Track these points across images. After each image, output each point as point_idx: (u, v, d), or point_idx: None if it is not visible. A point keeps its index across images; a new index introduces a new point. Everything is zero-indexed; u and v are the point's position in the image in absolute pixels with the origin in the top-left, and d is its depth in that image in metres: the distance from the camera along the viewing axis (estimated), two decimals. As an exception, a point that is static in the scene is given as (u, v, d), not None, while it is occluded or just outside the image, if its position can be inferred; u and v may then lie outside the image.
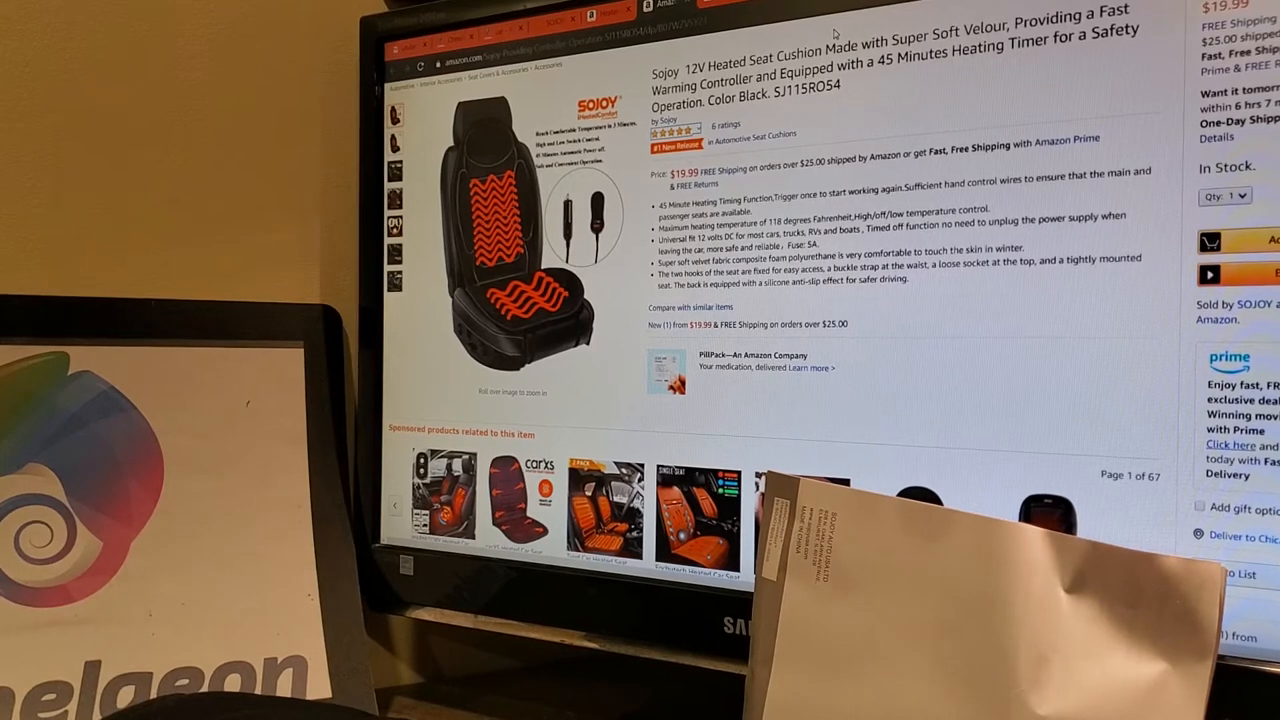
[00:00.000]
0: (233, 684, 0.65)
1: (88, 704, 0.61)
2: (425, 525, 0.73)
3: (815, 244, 0.59)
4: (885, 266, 0.57)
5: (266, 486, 0.70)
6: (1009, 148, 0.54)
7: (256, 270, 0.75)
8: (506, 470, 0.69)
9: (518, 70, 0.69)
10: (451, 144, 0.72)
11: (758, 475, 0.60)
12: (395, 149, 0.75)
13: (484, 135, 0.70)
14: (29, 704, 0.60)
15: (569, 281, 0.67)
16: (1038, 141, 0.53)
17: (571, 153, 0.67)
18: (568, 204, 0.67)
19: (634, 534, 0.64)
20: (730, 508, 0.61)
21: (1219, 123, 0.49)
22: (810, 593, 0.44)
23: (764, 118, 0.60)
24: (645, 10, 0.64)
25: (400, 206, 0.74)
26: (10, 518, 0.63)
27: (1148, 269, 0.50)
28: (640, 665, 0.63)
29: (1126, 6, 0.51)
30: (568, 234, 0.67)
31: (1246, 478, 0.48)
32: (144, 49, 0.72)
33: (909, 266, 0.56)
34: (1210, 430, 0.49)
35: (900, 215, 0.56)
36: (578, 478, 0.66)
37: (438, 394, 0.72)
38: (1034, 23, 0.53)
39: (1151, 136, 0.50)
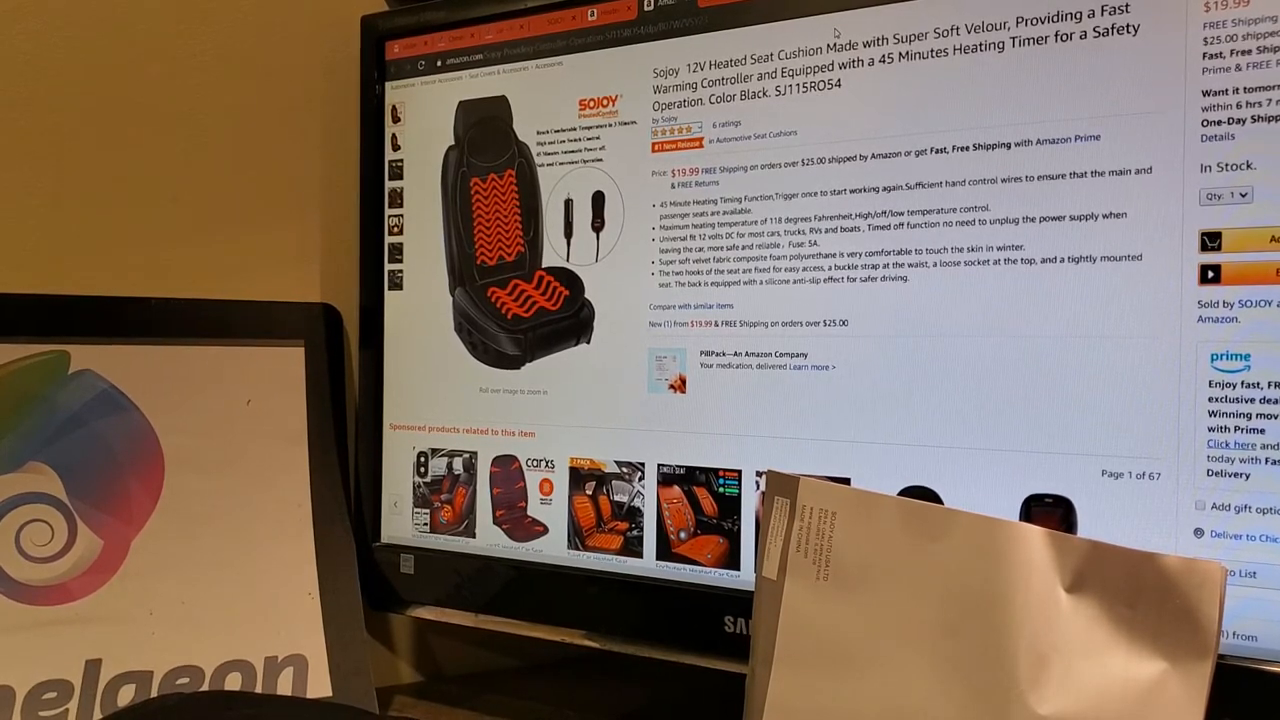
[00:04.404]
0: (233, 682, 0.65)
1: (88, 703, 0.61)
2: (426, 524, 0.73)
3: (816, 243, 0.59)
4: (886, 266, 0.57)
5: (267, 485, 0.70)
6: (1010, 147, 0.54)
7: (257, 269, 0.75)
8: (507, 469, 0.69)
9: (518, 69, 0.69)
10: (452, 143, 0.72)
11: (758, 474, 0.60)
12: (396, 148, 0.75)
13: (484, 134, 0.70)
14: (30, 702, 0.60)
15: (569, 280, 0.67)
16: (1038, 141, 0.53)
17: (572, 152, 0.67)
18: (568, 203, 0.67)
19: (634, 533, 0.64)
20: (730, 507, 0.61)
21: (1220, 122, 0.49)
22: (810, 592, 0.44)
23: (765, 117, 0.60)
24: (646, 9, 0.64)
25: (401, 205, 0.74)
26: (10, 516, 0.63)
27: (1148, 268, 0.50)
28: (641, 664, 0.63)
29: (1127, 6, 0.51)
30: (568, 233, 0.67)
31: (1247, 477, 0.48)
32: (145, 48, 0.72)
33: (910, 266, 0.56)
34: (1211, 430, 0.49)
35: (901, 214, 0.56)
36: (578, 477, 0.66)
37: (438, 393, 0.72)
38: (1035, 22, 0.53)
39: (1152, 136, 0.50)
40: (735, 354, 0.61)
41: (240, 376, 0.71)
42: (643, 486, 0.64)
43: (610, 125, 0.66)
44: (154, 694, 0.63)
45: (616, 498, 0.65)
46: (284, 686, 0.66)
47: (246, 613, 0.67)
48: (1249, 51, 0.48)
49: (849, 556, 0.43)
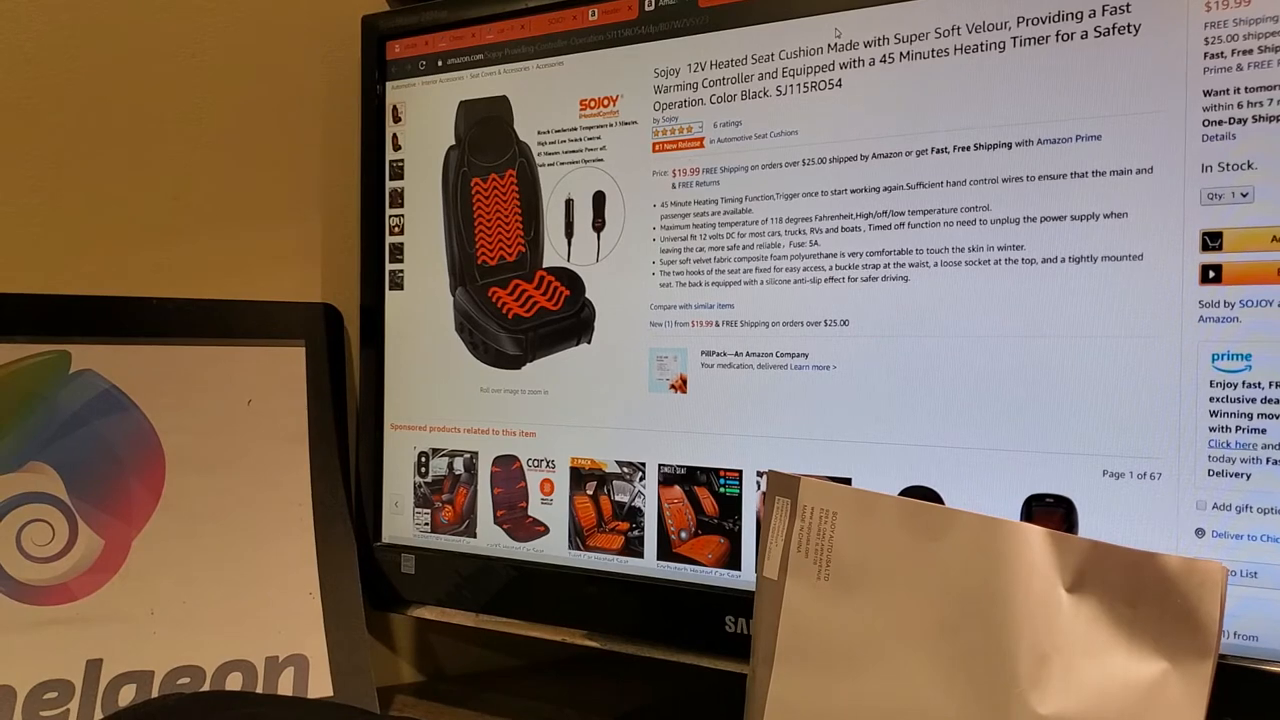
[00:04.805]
0: (234, 682, 0.65)
1: (89, 703, 0.61)
2: (427, 524, 0.73)
3: (817, 243, 0.59)
4: (887, 265, 0.57)
5: (268, 485, 0.70)
6: (1011, 147, 0.54)
7: (258, 269, 0.75)
8: (508, 469, 0.69)
9: (519, 69, 0.69)
10: (453, 143, 0.72)
11: (759, 474, 0.60)
12: (397, 148, 0.75)
13: (485, 134, 0.70)
14: (30, 702, 0.60)
15: (570, 280, 0.67)
16: (1039, 140, 0.53)
17: (573, 151, 0.67)
18: (569, 203, 0.67)
19: (635, 533, 0.64)
20: (731, 507, 0.61)
21: (1221, 122, 0.49)
22: (811, 592, 0.44)
23: (765, 116, 0.60)
24: (647, 9, 0.64)
25: (402, 205, 0.74)
26: (12, 516, 0.63)
27: (1149, 268, 0.50)
28: (641, 664, 0.63)
29: (1128, 5, 0.51)
30: (569, 233, 0.67)
31: (1248, 477, 0.48)
32: (146, 48, 0.72)
33: (910, 265, 0.56)
34: (1212, 429, 0.49)
35: (902, 214, 0.56)
36: (579, 476, 0.66)
37: (439, 393, 0.72)
38: (1036, 21, 0.53)
39: (1153, 136, 0.50)
40: (736, 354, 0.61)
41: (241, 376, 0.71)
42: (643, 486, 0.64)
43: (611, 125, 0.66)
44: (155, 694, 0.63)
45: (617, 498, 0.65)
46: (285, 686, 0.66)
47: (247, 612, 0.67)
48: (1250, 51, 0.48)
49: (850, 556, 0.43)
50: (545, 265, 0.68)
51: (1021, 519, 0.53)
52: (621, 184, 0.65)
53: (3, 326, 0.65)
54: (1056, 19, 0.52)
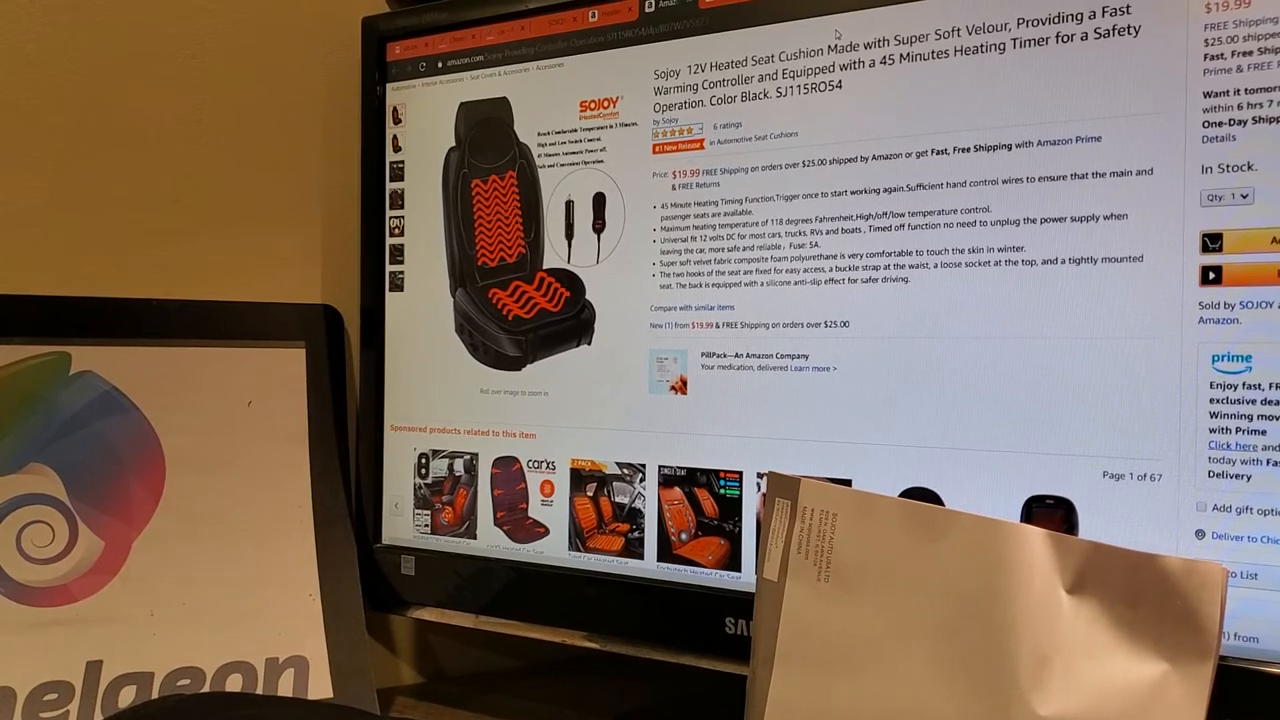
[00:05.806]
0: (234, 684, 0.65)
1: (89, 704, 0.61)
2: (427, 525, 0.73)
3: (817, 244, 0.59)
4: (887, 267, 0.57)
5: (268, 486, 0.70)
6: (1011, 148, 0.54)
7: (258, 270, 0.75)
8: (508, 470, 0.69)
9: (519, 70, 0.69)
10: (453, 144, 0.72)
11: (759, 475, 0.60)
12: (397, 149, 0.75)
13: (486, 135, 0.70)
14: (30, 704, 0.60)
15: (570, 282, 0.67)
16: (1039, 142, 0.53)
17: (573, 153, 0.67)
18: (569, 204, 0.67)
19: (635, 534, 0.64)
20: (731, 508, 0.61)
21: (1221, 123, 0.49)
22: (811, 593, 0.44)
23: (766, 118, 0.60)
24: (647, 10, 0.64)
25: (402, 206, 0.74)
26: (12, 518, 0.63)
27: (1149, 270, 0.50)
28: (641, 665, 0.63)
29: (1128, 7, 0.51)
30: (569, 234, 0.67)
31: (1248, 479, 0.48)
32: (146, 49, 0.72)
33: (910, 267, 0.56)
34: (1212, 431, 0.49)
35: (902, 216, 0.56)
36: (579, 478, 0.66)
37: (439, 394, 0.72)
38: (1036, 23, 0.53)
39: (1153, 137, 0.50)
40: (736, 355, 0.61)
41: (241, 377, 0.71)
42: (643, 488, 0.64)
43: (611, 126, 0.66)
44: (155, 695, 0.63)
45: (617, 499, 0.65)
46: (285, 688, 0.66)
47: (247, 614, 0.67)
48: (1250, 53, 0.48)
49: (850, 557, 0.43)
50: (545, 266, 0.68)
51: (1022, 520, 0.53)
52: (622, 185, 0.65)
53: (3, 328, 0.65)
54: (1056, 20, 0.53)
